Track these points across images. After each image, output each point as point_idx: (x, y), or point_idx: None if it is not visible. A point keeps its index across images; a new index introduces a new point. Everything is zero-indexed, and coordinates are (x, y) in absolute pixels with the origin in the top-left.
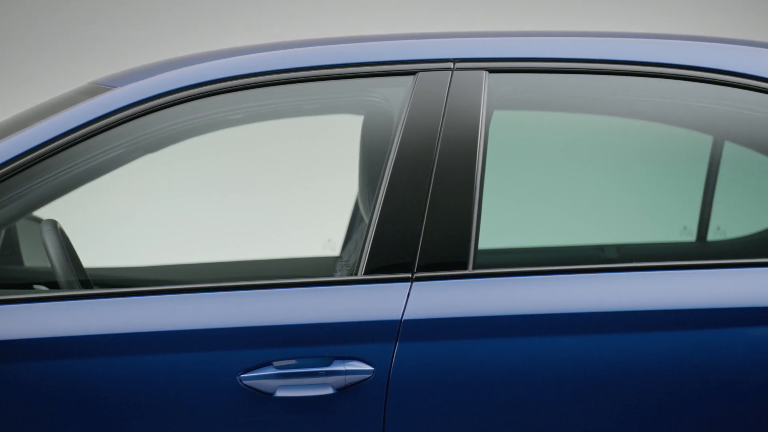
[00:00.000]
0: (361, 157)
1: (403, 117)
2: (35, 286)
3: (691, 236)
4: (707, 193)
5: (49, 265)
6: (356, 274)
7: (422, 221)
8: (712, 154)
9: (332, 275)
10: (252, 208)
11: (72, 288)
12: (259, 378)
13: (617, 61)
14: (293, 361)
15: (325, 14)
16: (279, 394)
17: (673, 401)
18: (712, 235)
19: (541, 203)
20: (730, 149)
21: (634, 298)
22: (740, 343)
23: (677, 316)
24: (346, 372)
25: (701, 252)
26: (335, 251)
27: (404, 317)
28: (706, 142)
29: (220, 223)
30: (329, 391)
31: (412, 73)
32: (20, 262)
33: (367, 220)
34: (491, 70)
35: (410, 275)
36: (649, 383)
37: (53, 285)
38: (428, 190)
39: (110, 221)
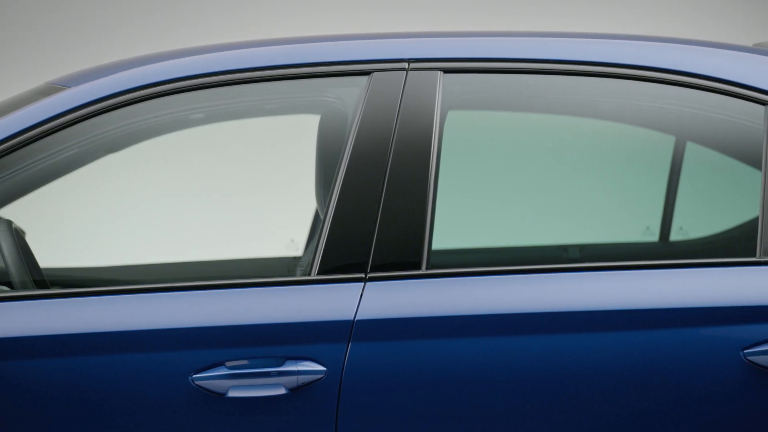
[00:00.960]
0: (317, 157)
1: (357, 117)
2: None
3: (653, 236)
4: (670, 193)
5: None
6: (310, 275)
7: (376, 221)
8: (675, 154)
9: (286, 275)
10: (214, 208)
11: (26, 288)
12: (211, 378)
13: (572, 62)
14: (245, 362)
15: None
16: (231, 394)
17: (633, 400)
18: (675, 235)
19: (503, 204)
20: (692, 150)
21: (587, 297)
22: (701, 342)
23: (637, 316)
24: (299, 372)
25: (664, 252)
26: (299, 251)
27: (357, 317)
28: (669, 142)
29: (179, 223)
30: (281, 391)
31: (367, 73)
32: None
33: (321, 220)
34: (446, 70)
35: (363, 275)
36: (609, 383)
37: (10, 285)
38: (382, 190)
39: (69, 221)
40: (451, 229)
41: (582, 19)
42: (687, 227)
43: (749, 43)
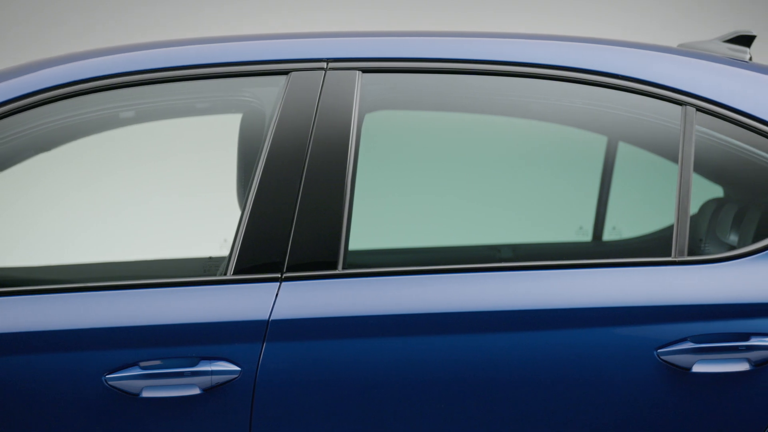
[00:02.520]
0: (238, 156)
1: (275, 117)
2: None
3: (587, 236)
4: (602, 193)
5: None
6: (225, 274)
7: (292, 221)
8: (607, 154)
9: (202, 275)
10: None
11: None
12: (125, 378)
13: (491, 62)
14: (159, 362)
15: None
16: (145, 394)
17: (550, 399)
18: (608, 235)
19: (436, 205)
20: (624, 150)
21: (501, 297)
22: (616, 341)
23: (552, 315)
24: (212, 372)
25: (597, 252)
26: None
27: (272, 317)
28: (601, 142)
29: (100, 223)
30: (195, 391)
31: (285, 72)
32: None
33: (238, 220)
34: (364, 70)
35: (279, 275)
36: (525, 382)
37: None
38: (299, 190)
39: None
40: (384, 230)
41: (524, 19)
42: (620, 227)
43: (674, 44)
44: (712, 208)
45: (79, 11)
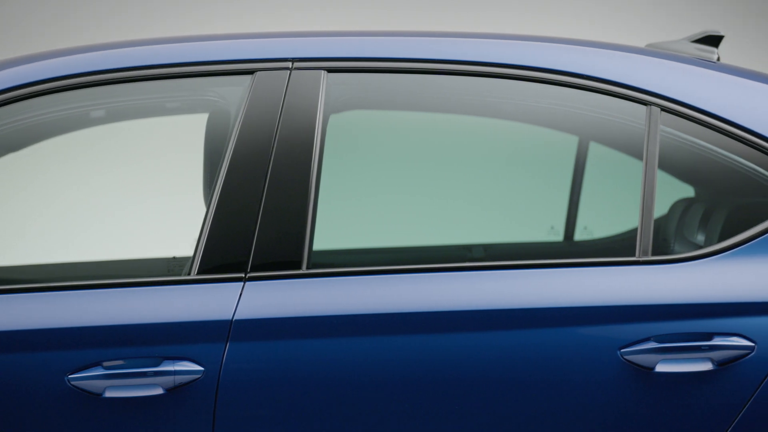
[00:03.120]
0: (204, 156)
1: (239, 116)
2: None
3: (558, 236)
4: (574, 193)
5: None
6: (189, 274)
7: (256, 221)
8: (577, 154)
9: (166, 275)
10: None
11: None
12: (87, 378)
13: (457, 62)
14: (122, 362)
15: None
16: (107, 394)
17: (514, 399)
18: (579, 235)
19: (404, 205)
20: (594, 150)
21: (465, 297)
22: (580, 341)
23: (516, 315)
24: (175, 372)
25: (568, 252)
26: None
27: (235, 317)
28: (570, 142)
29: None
30: (158, 391)
31: (251, 72)
32: None
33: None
34: (330, 70)
35: (243, 275)
36: (488, 381)
37: None
38: (263, 189)
39: None
40: (355, 230)
41: (492, 19)
42: (591, 227)
43: (642, 44)
44: (682, 207)
45: (48, 11)
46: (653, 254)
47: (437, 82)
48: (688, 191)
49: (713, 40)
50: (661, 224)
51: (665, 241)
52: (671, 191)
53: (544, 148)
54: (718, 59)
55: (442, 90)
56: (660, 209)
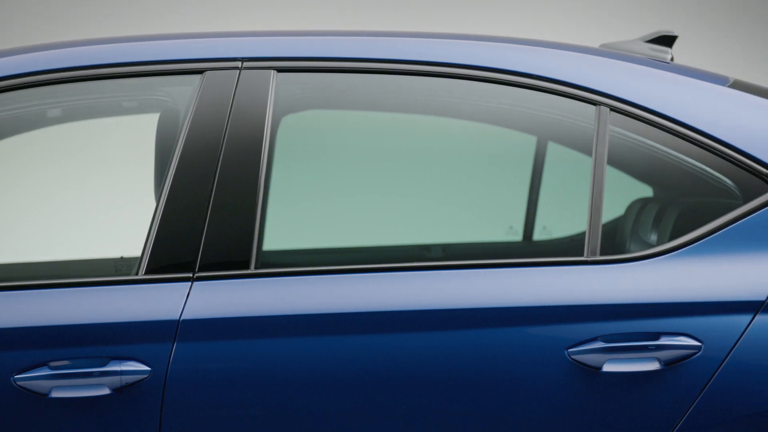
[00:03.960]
0: (155, 156)
1: (189, 116)
2: None
3: (517, 236)
4: (532, 193)
5: None
6: (137, 274)
7: (205, 221)
8: (534, 154)
9: (114, 275)
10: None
11: None
12: (34, 379)
13: (407, 61)
14: (68, 362)
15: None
16: (54, 395)
17: (462, 399)
18: (538, 235)
19: (361, 205)
20: (552, 150)
21: (409, 297)
22: (528, 340)
23: (463, 315)
24: (122, 372)
25: (527, 251)
26: None
27: (183, 317)
28: (527, 142)
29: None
30: (105, 391)
31: (200, 71)
32: None
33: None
34: (280, 70)
35: (191, 275)
36: (437, 382)
37: None
38: (211, 189)
39: None
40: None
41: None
42: (550, 227)
43: (597, 44)
44: (638, 207)
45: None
46: (602, 254)
47: (387, 82)
48: (647, 191)
49: (667, 40)
50: (618, 224)
51: (621, 241)
52: (634, 191)
53: (497, 147)
54: (672, 59)
55: (393, 90)
56: (619, 209)
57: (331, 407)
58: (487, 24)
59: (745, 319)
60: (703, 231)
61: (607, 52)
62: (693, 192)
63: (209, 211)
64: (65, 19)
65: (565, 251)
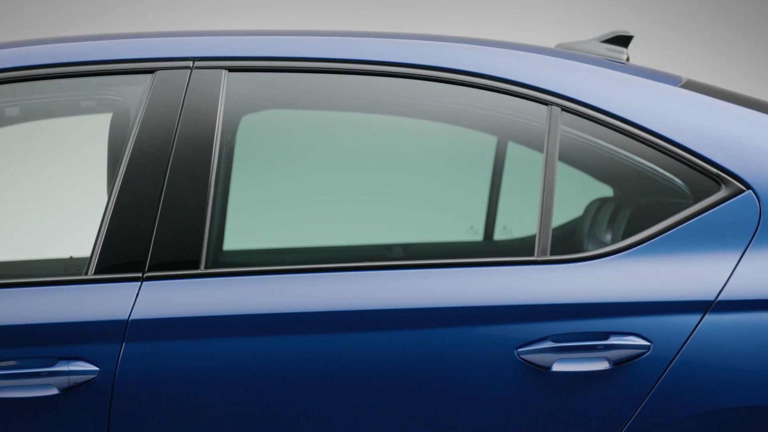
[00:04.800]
0: (108, 156)
1: (139, 115)
2: None
3: (478, 236)
4: (493, 192)
5: None
6: (87, 274)
7: (155, 221)
8: (497, 154)
9: (63, 275)
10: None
11: None
12: None
13: (360, 61)
14: (15, 362)
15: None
16: (1, 395)
17: (413, 400)
18: (499, 235)
19: (319, 205)
20: (513, 150)
21: (359, 297)
22: (478, 340)
23: (414, 315)
24: (70, 372)
25: (488, 251)
26: None
27: (132, 317)
28: (490, 142)
29: None
30: (53, 391)
31: (151, 71)
32: None
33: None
34: (231, 69)
35: (141, 275)
36: (387, 382)
37: None
38: (161, 189)
39: None
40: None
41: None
42: (511, 226)
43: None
44: (596, 207)
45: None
46: (557, 254)
47: (341, 82)
48: (608, 191)
49: (623, 41)
50: (577, 224)
51: (580, 241)
52: (596, 191)
53: (455, 147)
54: (628, 59)
55: (347, 89)
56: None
57: (280, 406)
58: (446, 24)
59: (694, 318)
60: (653, 231)
61: (561, 52)
62: (645, 192)
63: (159, 210)
64: (26, 19)
65: (526, 251)
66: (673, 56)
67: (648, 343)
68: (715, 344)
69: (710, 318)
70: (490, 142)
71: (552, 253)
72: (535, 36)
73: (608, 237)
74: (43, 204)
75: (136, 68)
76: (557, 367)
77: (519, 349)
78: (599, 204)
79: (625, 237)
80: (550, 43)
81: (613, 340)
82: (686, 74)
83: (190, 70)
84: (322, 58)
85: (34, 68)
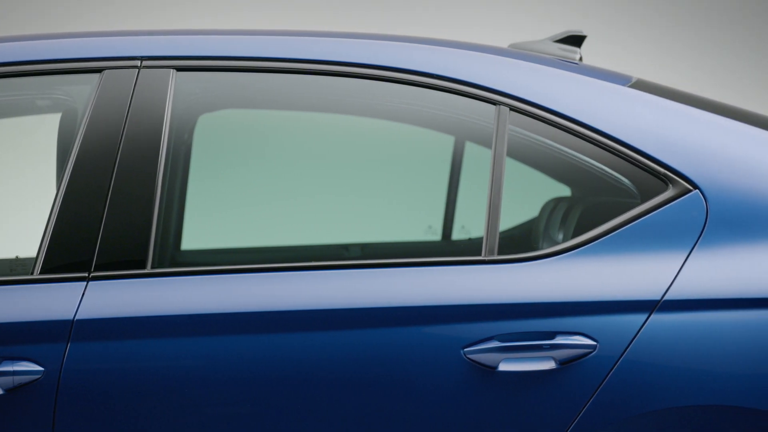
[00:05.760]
0: (57, 156)
1: (86, 114)
2: None
3: (436, 235)
4: (451, 192)
5: None
6: (33, 274)
7: (101, 220)
8: (454, 154)
9: (9, 275)
10: None
11: None
12: None
13: (310, 61)
14: None
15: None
16: None
17: (359, 400)
18: (457, 234)
19: (275, 205)
20: (471, 149)
21: (311, 296)
22: (424, 340)
23: (361, 314)
24: (15, 373)
25: (445, 250)
26: None
27: (77, 317)
28: (448, 142)
29: None
30: None
31: (99, 70)
32: None
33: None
34: (179, 69)
35: (87, 275)
36: (335, 382)
37: None
38: (108, 189)
39: None
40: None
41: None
42: (469, 226)
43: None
44: (551, 207)
45: None
46: (508, 253)
47: (293, 81)
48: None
49: (576, 40)
50: (533, 224)
51: (535, 241)
52: (554, 191)
53: (409, 147)
54: (581, 59)
55: (299, 89)
56: (533, 209)
57: (225, 407)
58: (406, 24)
59: (640, 318)
60: (600, 231)
61: (512, 52)
62: (595, 192)
63: (105, 210)
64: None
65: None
66: (627, 56)
67: (594, 343)
68: (661, 344)
69: (656, 318)
70: (448, 141)
71: (504, 253)
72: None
73: (560, 237)
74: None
75: (84, 67)
76: (503, 367)
77: (465, 349)
78: (554, 204)
79: (574, 237)
80: (504, 43)
81: (559, 340)
82: (641, 74)
83: (137, 70)
84: (272, 57)
85: None
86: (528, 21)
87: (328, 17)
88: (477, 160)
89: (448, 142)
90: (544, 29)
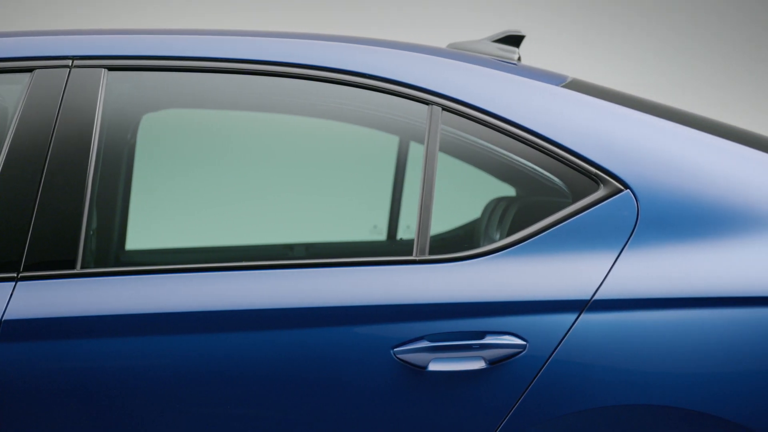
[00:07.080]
0: None
1: (17, 114)
2: None
3: (381, 235)
4: (396, 192)
5: None
6: None
7: (30, 220)
8: (399, 153)
9: None
10: None
11: None
12: None
13: (242, 60)
14: None
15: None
16: None
17: (289, 400)
18: (402, 234)
19: (217, 204)
20: (415, 149)
21: (244, 296)
22: (354, 340)
23: (290, 315)
24: None
25: (391, 250)
26: None
27: (5, 317)
28: (392, 141)
29: None
30: None
31: (30, 70)
32: None
33: None
34: (111, 68)
35: (15, 274)
36: (263, 382)
37: None
38: (38, 188)
39: None
40: (168, 230)
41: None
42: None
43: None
44: (491, 207)
45: None
46: (441, 253)
47: (228, 81)
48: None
49: (514, 40)
50: (475, 224)
51: (476, 241)
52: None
53: (351, 146)
54: (519, 59)
55: (236, 89)
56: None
57: (155, 407)
58: (342, 24)
59: (570, 318)
60: (531, 231)
61: (446, 51)
62: (529, 192)
63: (35, 210)
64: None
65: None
66: (567, 56)
67: (524, 343)
68: (591, 343)
69: (586, 317)
70: (393, 141)
71: (440, 252)
72: (431, 35)
73: (497, 236)
74: None
75: (15, 67)
76: (433, 367)
77: (395, 349)
78: (495, 203)
79: (508, 236)
80: (443, 43)
81: (488, 340)
82: (581, 74)
83: (69, 69)
84: (204, 57)
85: None
86: (469, 20)
87: (264, 18)
88: (420, 160)
89: (392, 141)
90: (485, 29)
